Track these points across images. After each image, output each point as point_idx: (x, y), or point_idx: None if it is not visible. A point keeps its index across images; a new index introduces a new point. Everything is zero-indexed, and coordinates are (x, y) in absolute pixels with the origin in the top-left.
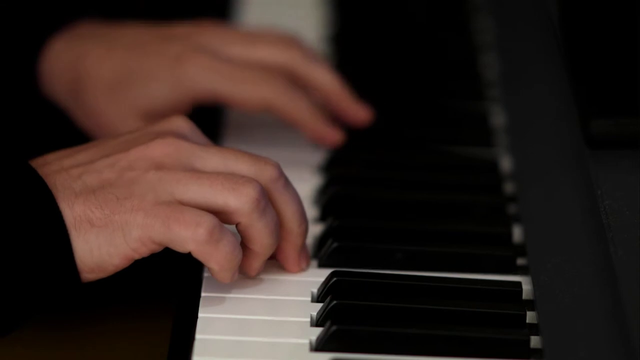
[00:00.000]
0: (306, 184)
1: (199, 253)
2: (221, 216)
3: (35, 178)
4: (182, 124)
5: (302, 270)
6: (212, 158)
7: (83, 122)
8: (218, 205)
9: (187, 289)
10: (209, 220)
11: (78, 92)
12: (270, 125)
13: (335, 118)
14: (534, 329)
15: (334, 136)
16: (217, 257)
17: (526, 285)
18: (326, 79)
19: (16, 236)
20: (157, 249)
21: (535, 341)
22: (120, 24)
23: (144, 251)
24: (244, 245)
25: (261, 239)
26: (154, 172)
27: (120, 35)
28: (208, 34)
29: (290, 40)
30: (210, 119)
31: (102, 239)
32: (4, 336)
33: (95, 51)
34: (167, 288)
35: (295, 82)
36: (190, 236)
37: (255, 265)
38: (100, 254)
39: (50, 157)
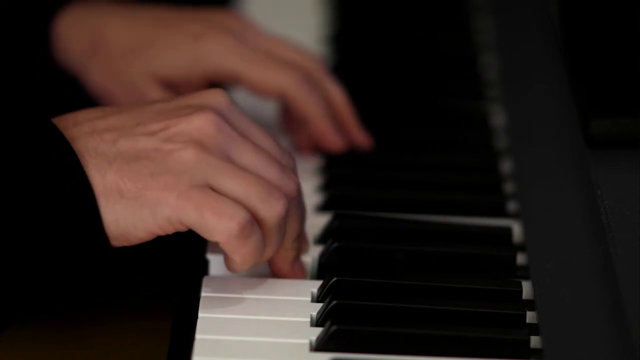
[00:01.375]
0: (306, 183)
1: (226, 245)
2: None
3: (63, 142)
4: (221, 99)
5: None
6: (247, 154)
7: (98, 86)
8: (246, 207)
9: (187, 289)
10: (243, 215)
11: (97, 54)
12: (272, 125)
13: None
14: (534, 329)
15: (337, 141)
16: (243, 252)
17: (526, 286)
18: (339, 96)
19: (44, 203)
20: (182, 229)
21: (535, 341)
22: (139, 4)
23: (170, 230)
24: None
25: (279, 247)
26: (193, 151)
27: (142, 11)
28: (233, 20)
29: (313, 55)
30: None
31: (130, 211)
32: (43, 304)
33: (117, 20)
34: (167, 288)
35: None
36: (222, 228)
37: (284, 269)
38: (126, 226)
39: (80, 116)
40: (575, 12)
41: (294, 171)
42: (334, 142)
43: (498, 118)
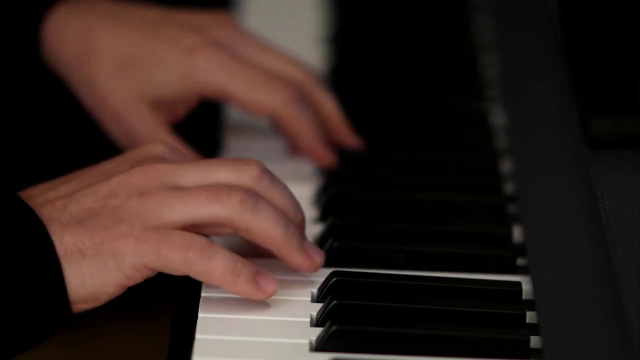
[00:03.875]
0: (306, 184)
1: (196, 275)
2: (218, 229)
3: (26, 210)
4: (159, 148)
5: (317, 265)
6: (192, 172)
7: (84, 98)
8: (206, 218)
9: (187, 289)
10: (197, 240)
11: (84, 67)
12: (271, 125)
13: (329, 140)
14: (534, 329)
15: (327, 158)
16: (215, 273)
17: (526, 285)
18: (330, 107)
19: (7, 268)
20: (151, 274)
21: (535, 341)
22: (129, 3)
23: (138, 277)
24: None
25: (267, 236)
26: (137, 199)
27: (132, 13)
28: (225, 30)
29: (304, 65)
30: (210, 118)
31: (95, 268)
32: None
33: (107, 25)
34: (167, 288)
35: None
36: (182, 259)
37: (294, 260)
38: (93, 284)
39: (34, 190)
40: (575, 12)
41: (250, 160)
42: (324, 158)
43: (498, 118)
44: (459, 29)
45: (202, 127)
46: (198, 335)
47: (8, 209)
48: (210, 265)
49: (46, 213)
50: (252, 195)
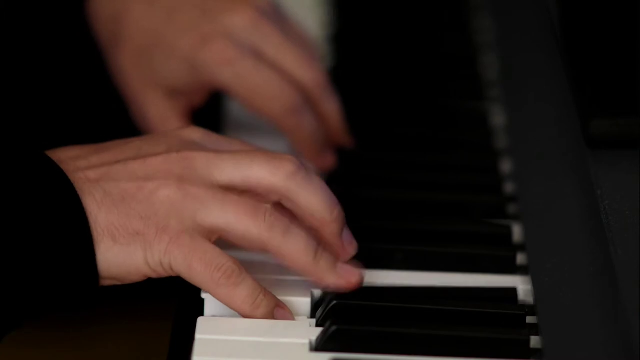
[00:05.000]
0: None
1: (217, 296)
2: (245, 243)
3: (60, 175)
4: (195, 134)
5: (353, 285)
6: (227, 165)
7: (114, 77)
8: (238, 231)
9: (187, 289)
10: (228, 263)
11: (113, 49)
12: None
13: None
14: (534, 329)
15: (325, 162)
16: (236, 302)
17: (526, 285)
18: (333, 113)
19: (37, 234)
20: (173, 275)
21: (535, 341)
22: None
23: (161, 273)
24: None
25: (295, 260)
26: (175, 189)
27: None
28: (246, 19)
29: (318, 66)
30: (211, 114)
31: (123, 256)
32: (16, 329)
33: (137, 9)
34: (167, 288)
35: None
36: (209, 278)
37: (326, 282)
38: (118, 269)
39: (62, 154)
40: (575, 12)
41: (286, 155)
42: (321, 163)
43: (498, 118)
44: (459, 29)
45: (202, 124)
46: (198, 335)
47: (40, 170)
48: (234, 292)
49: (79, 184)
50: (284, 218)
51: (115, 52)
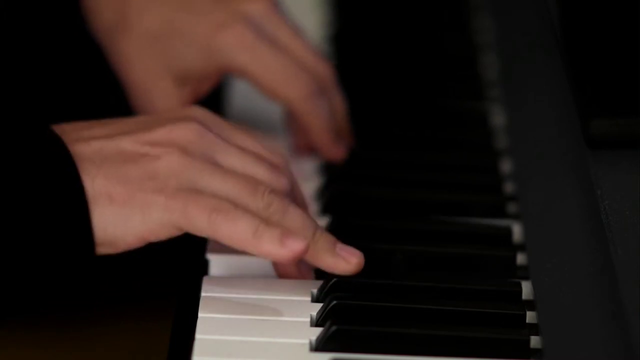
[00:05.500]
0: (307, 182)
1: (220, 238)
2: None
3: (58, 143)
4: (201, 112)
5: (353, 265)
6: (233, 156)
7: (115, 66)
8: (236, 203)
9: (187, 289)
10: (224, 204)
11: (117, 37)
12: (274, 121)
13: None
14: (534, 329)
15: (337, 153)
16: (238, 236)
17: (526, 285)
18: (340, 108)
19: (32, 201)
20: (175, 233)
21: (535, 341)
22: None
23: (161, 234)
24: None
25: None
26: (179, 155)
27: None
28: (259, 6)
29: (325, 60)
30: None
31: (120, 216)
32: (19, 313)
33: None
34: (167, 288)
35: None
36: (206, 220)
37: (323, 263)
38: (114, 231)
39: (67, 126)
40: (575, 12)
41: (285, 169)
42: (334, 153)
43: (498, 118)
44: (459, 29)
45: None
46: (198, 335)
47: (39, 139)
48: (234, 228)
49: (79, 150)
50: (283, 198)
51: (120, 38)
